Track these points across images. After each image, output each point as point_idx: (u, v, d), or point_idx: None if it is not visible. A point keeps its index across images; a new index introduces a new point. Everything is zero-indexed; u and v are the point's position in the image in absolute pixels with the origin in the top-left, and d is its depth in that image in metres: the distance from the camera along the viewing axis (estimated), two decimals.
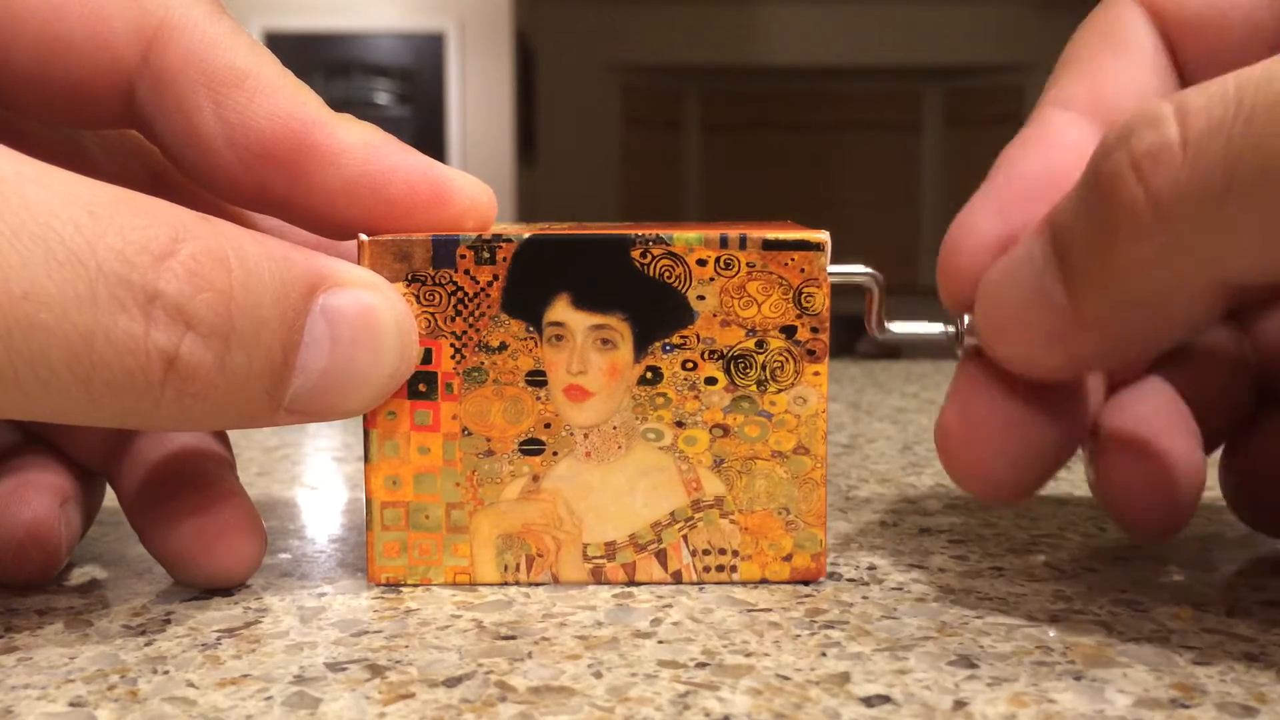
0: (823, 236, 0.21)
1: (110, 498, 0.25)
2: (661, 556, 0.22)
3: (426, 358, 0.21)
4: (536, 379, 0.22)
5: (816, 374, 0.22)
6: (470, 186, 0.22)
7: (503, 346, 0.21)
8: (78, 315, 0.16)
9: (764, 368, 0.22)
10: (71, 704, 0.17)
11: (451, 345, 0.21)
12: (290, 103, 0.21)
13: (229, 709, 0.17)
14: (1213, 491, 0.31)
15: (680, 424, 0.22)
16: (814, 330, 0.22)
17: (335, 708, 0.17)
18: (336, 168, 0.21)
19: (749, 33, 5.12)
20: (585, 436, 0.22)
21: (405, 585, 0.22)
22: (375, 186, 0.21)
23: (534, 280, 0.21)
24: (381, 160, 0.21)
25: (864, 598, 0.22)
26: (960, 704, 0.17)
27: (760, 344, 0.22)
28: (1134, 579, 0.23)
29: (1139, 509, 0.21)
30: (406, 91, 3.83)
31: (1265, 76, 0.16)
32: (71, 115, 0.21)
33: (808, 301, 0.21)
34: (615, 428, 0.22)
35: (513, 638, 0.19)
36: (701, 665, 0.18)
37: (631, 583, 0.22)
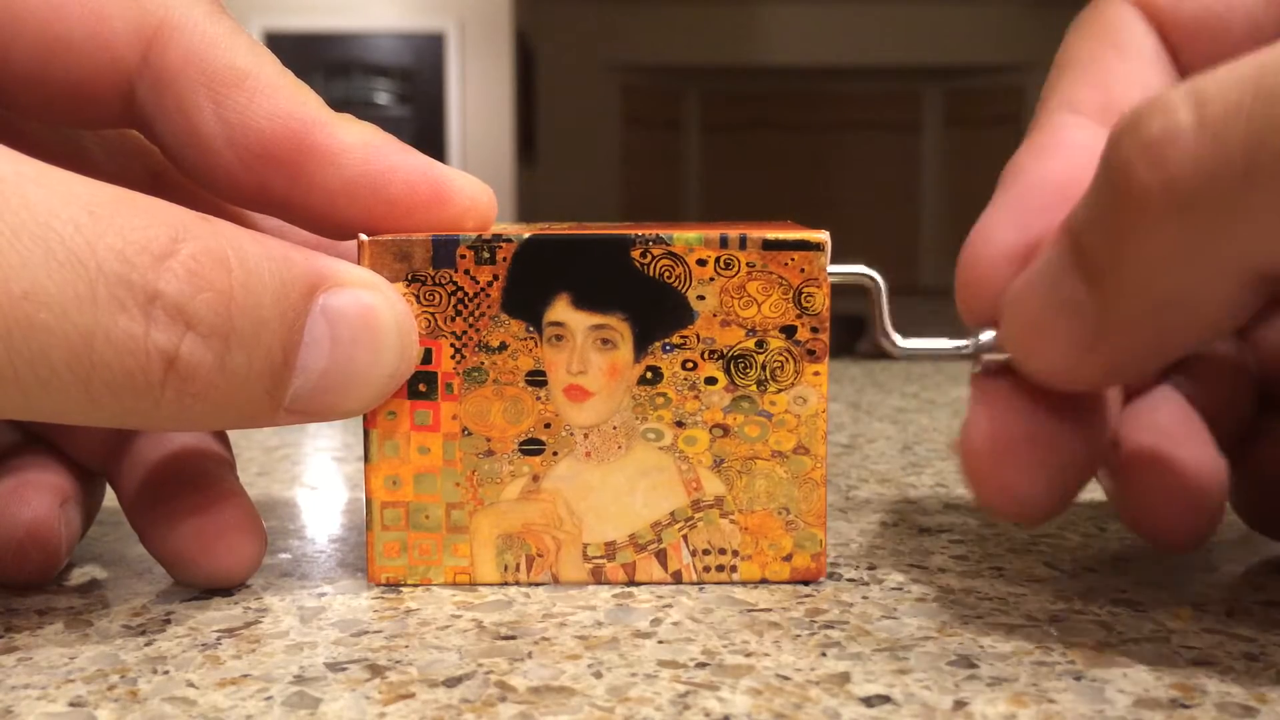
0: (823, 236, 0.21)
1: (110, 498, 0.25)
2: (661, 556, 0.22)
3: (426, 358, 0.21)
4: (536, 379, 0.22)
5: (816, 374, 0.22)
6: (470, 186, 0.22)
7: (503, 346, 0.21)
8: (78, 315, 0.17)
9: (764, 368, 0.22)
10: (71, 704, 0.17)
11: (451, 345, 0.21)
12: (290, 103, 0.21)
13: (229, 709, 0.17)
14: None
15: (680, 424, 0.22)
16: (814, 330, 0.22)
17: (335, 708, 0.17)
18: (336, 168, 0.21)
19: (749, 33, 5.12)
20: (585, 436, 0.22)
21: (405, 585, 0.22)
22: (375, 186, 0.21)
23: (534, 280, 0.21)
24: (381, 160, 0.21)
25: (864, 598, 0.22)
26: (960, 704, 0.17)
27: (760, 344, 0.22)
28: (1134, 579, 0.23)
29: (1165, 521, 0.21)
30: (406, 91, 3.83)
31: None
32: (71, 115, 0.21)
33: (808, 301, 0.21)
34: (615, 428, 0.22)
35: (513, 638, 0.19)
36: (701, 665, 0.18)
37: (631, 583, 0.22)
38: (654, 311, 0.21)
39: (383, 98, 3.82)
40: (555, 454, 0.22)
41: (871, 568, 0.23)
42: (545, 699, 0.17)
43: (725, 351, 0.22)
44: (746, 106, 5.43)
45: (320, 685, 0.18)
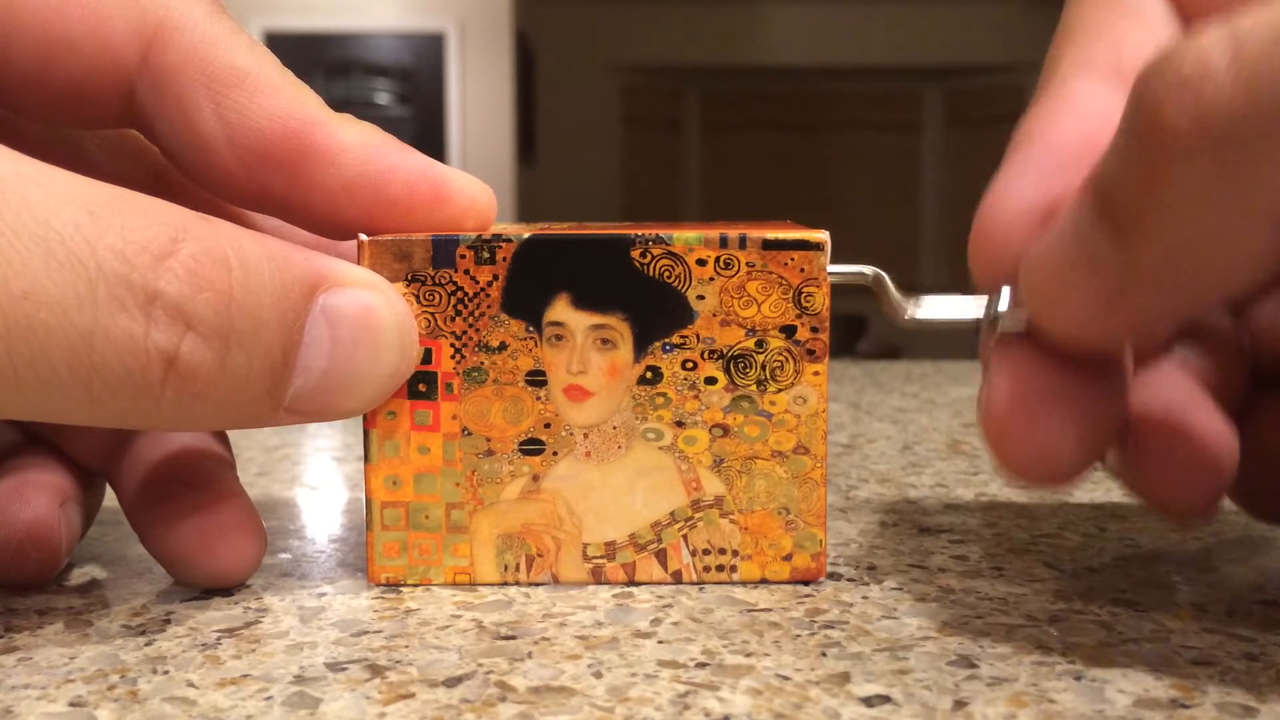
0: (822, 236, 0.21)
1: (110, 498, 0.25)
2: (661, 556, 0.22)
3: (426, 358, 0.21)
4: (536, 379, 0.22)
5: (816, 374, 0.22)
6: (470, 186, 0.22)
7: (502, 346, 0.21)
8: (78, 315, 0.17)
9: (764, 367, 0.22)
10: (71, 704, 0.17)
11: (451, 345, 0.21)
12: (290, 102, 0.21)
13: (229, 709, 0.17)
14: None
15: (680, 424, 0.22)
16: (814, 330, 0.22)
17: (335, 708, 0.17)
18: (336, 168, 0.21)
19: (749, 33, 5.12)
20: (585, 436, 0.22)
21: (405, 585, 0.22)
22: (375, 186, 0.21)
23: (534, 280, 0.21)
24: (381, 160, 0.21)
25: (864, 598, 0.22)
26: (960, 704, 0.17)
27: (760, 344, 0.22)
28: (1134, 579, 0.23)
29: (1179, 487, 0.20)
30: (406, 91, 3.83)
31: None
32: (71, 115, 0.21)
33: (807, 301, 0.21)
34: (615, 427, 0.22)
35: (513, 638, 0.19)
36: (701, 665, 0.18)
37: (631, 583, 0.22)
38: (654, 311, 0.21)
39: (383, 98, 3.82)
40: (555, 454, 0.22)
41: (871, 568, 0.23)
42: (545, 699, 0.17)
43: (725, 351, 0.22)
44: (746, 106, 5.43)
45: (320, 685, 0.18)
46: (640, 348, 0.21)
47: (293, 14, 3.69)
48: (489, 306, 0.21)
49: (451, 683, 0.18)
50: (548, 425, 0.22)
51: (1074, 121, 0.20)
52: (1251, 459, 0.23)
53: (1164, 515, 0.21)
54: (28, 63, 0.20)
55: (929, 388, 0.54)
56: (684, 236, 0.21)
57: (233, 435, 0.27)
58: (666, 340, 0.21)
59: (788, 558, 0.22)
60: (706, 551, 0.22)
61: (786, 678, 0.18)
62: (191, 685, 0.18)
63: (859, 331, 4.09)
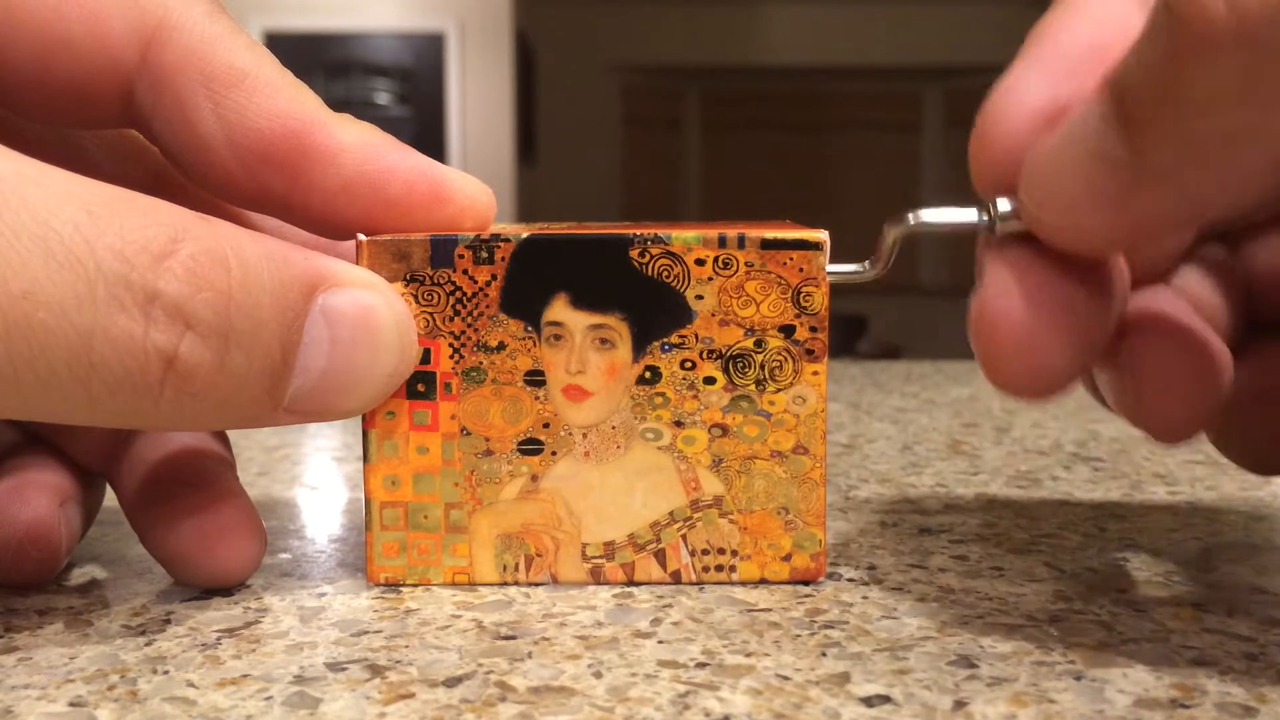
0: (821, 236, 0.21)
1: (110, 498, 0.25)
2: (660, 556, 0.22)
3: (425, 358, 0.21)
4: (535, 379, 0.22)
5: (815, 373, 0.22)
6: (469, 186, 0.22)
7: (501, 346, 0.21)
8: (77, 315, 0.16)
9: (763, 367, 0.22)
10: (71, 704, 0.17)
11: (450, 345, 0.21)
12: (289, 102, 0.21)
13: (229, 709, 0.17)
14: (1213, 490, 0.31)
15: (679, 423, 0.22)
16: (813, 330, 0.22)
17: (335, 708, 0.17)
18: (335, 167, 0.21)
19: (749, 33, 5.12)
20: (584, 436, 0.22)
21: (405, 585, 0.22)
22: (374, 186, 0.21)
23: (532, 280, 0.21)
24: (380, 160, 0.21)
25: (864, 598, 0.22)
26: (960, 704, 0.17)
27: (759, 343, 0.22)
28: (1134, 579, 0.23)
29: (1170, 397, 0.20)
30: (406, 91, 3.82)
31: None
32: (71, 115, 0.21)
33: (806, 301, 0.21)
34: (614, 427, 0.22)
35: (513, 638, 0.19)
36: (701, 665, 0.18)
37: (631, 583, 0.22)
38: (652, 311, 0.21)
39: (383, 98, 3.82)
40: (554, 454, 0.22)
41: (871, 568, 0.23)
42: (545, 699, 0.17)
43: (724, 351, 0.22)
44: (746, 106, 5.43)
45: (320, 685, 0.18)
46: (639, 347, 0.21)
47: (293, 14, 3.69)
48: (488, 306, 0.21)
49: (451, 683, 0.18)
50: (546, 425, 0.22)
51: (1088, 25, 0.20)
52: (1241, 402, 0.23)
53: (1149, 433, 0.21)
54: (27, 63, 0.20)
55: (929, 388, 0.54)
56: (683, 236, 0.21)
57: (233, 435, 0.27)
58: (665, 340, 0.21)
59: (787, 558, 0.22)
60: (706, 551, 0.22)
61: (786, 678, 0.18)
62: (191, 685, 0.18)
63: (859, 331, 4.08)
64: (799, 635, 0.20)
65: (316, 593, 0.22)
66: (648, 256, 0.21)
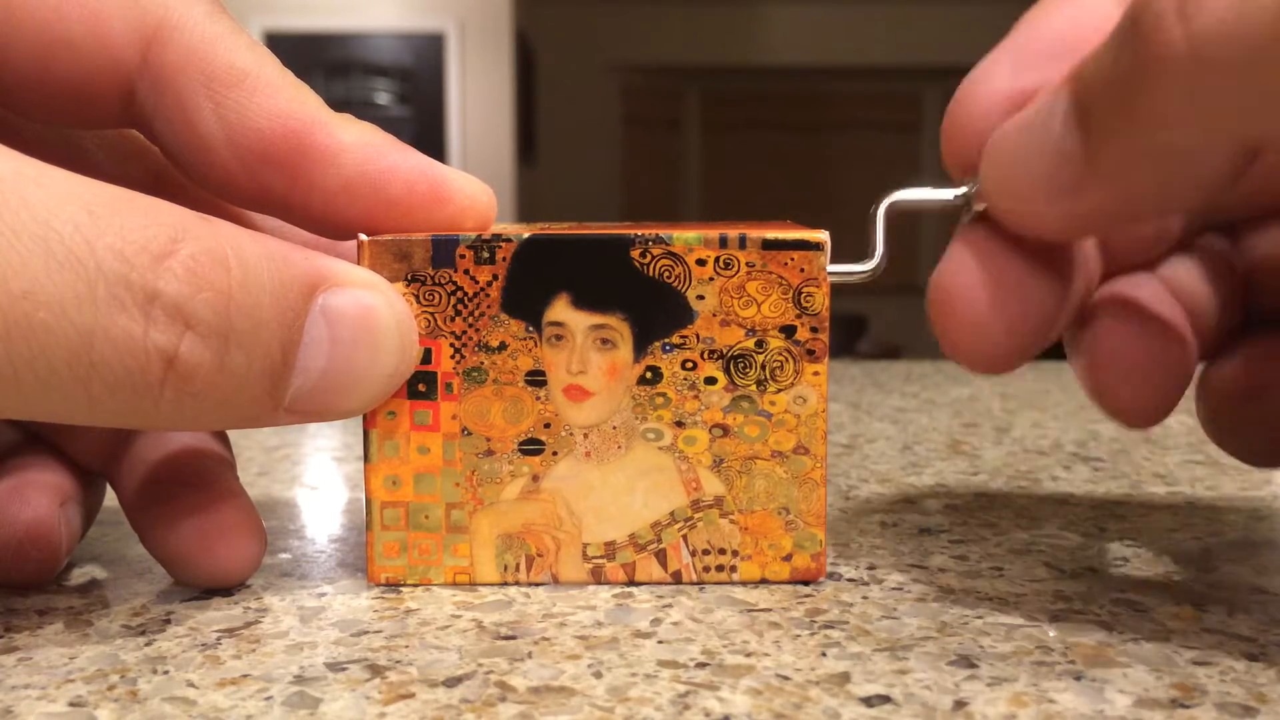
0: (822, 236, 0.21)
1: (110, 498, 0.25)
2: (661, 556, 0.22)
3: (426, 358, 0.21)
4: (536, 379, 0.22)
5: (816, 374, 0.22)
6: (469, 186, 0.22)
7: (502, 346, 0.21)
8: (77, 315, 0.16)
9: (764, 367, 0.22)
10: (71, 704, 0.17)
11: (451, 345, 0.21)
12: (290, 102, 0.21)
13: (229, 709, 0.17)
14: (1213, 490, 0.31)
15: (680, 424, 0.22)
16: (814, 330, 0.22)
17: (335, 708, 0.17)
18: (336, 167, 0.21)
19: (749, 33, 5.12)
20: (585, 436, 0.22)
21: (405, 585, 0.22)
22: (374, 186, 0.21)
23: (533, 280, 0.21)
24: (380, 160, 0.21)
25: (864, 598, 0.22)
26: (960, 704, 0.17)
27: (760, 344, 0.22)
28: (1134, 579, 0.23)
29: (1128, 378, 0.21)
30: (406, 91, 3.82)
31: None
32: (71, 115, 0.21)
33: (807, 301, 0.21)
34: (615, 427, 0.22)
35: (513, 638, 0.19)
36: (701, 665, 0.18)
37: (631, 583, 0.22)
38: (653, 311, 0.21)
39: (383, 98, 3.82)
40: (555, 454, 0.22)
41: (871, 568, 0.23)
42: (545, 699, 0.17)
43: (725, 351, 0.22)
44: (746, 106, 5.43)
45: (320, 685, 0.18)
46: (640, 348, 0.21)
47: (293, 14, 3.69)
48: (489, 306, 0.21)
49: (451, 683, 0.18)
50: (547, 425, 0.22)
51: (1063, 18, 0.21)
52: (1237, 394, 0.23)
53: (1111, 417, 0.22)
54: (27, 63, 0.20)
55: (929, 388, 0.54)
56: (684, 236, 0.21)
57: (233, 435, 0.27)
58: (666, 340, 0.21)
59: (788, 558, 0.22)
60: (706, 551, 0.22)
61: (786, 678, 0.18)
62: (191, 685, 0.18)
63: (859, 331, 4.08)
64: (799, 635, 0.20)
65: (316, 593, 0.22)
66: (649, 257, 0.21)
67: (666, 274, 0.21)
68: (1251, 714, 0.16)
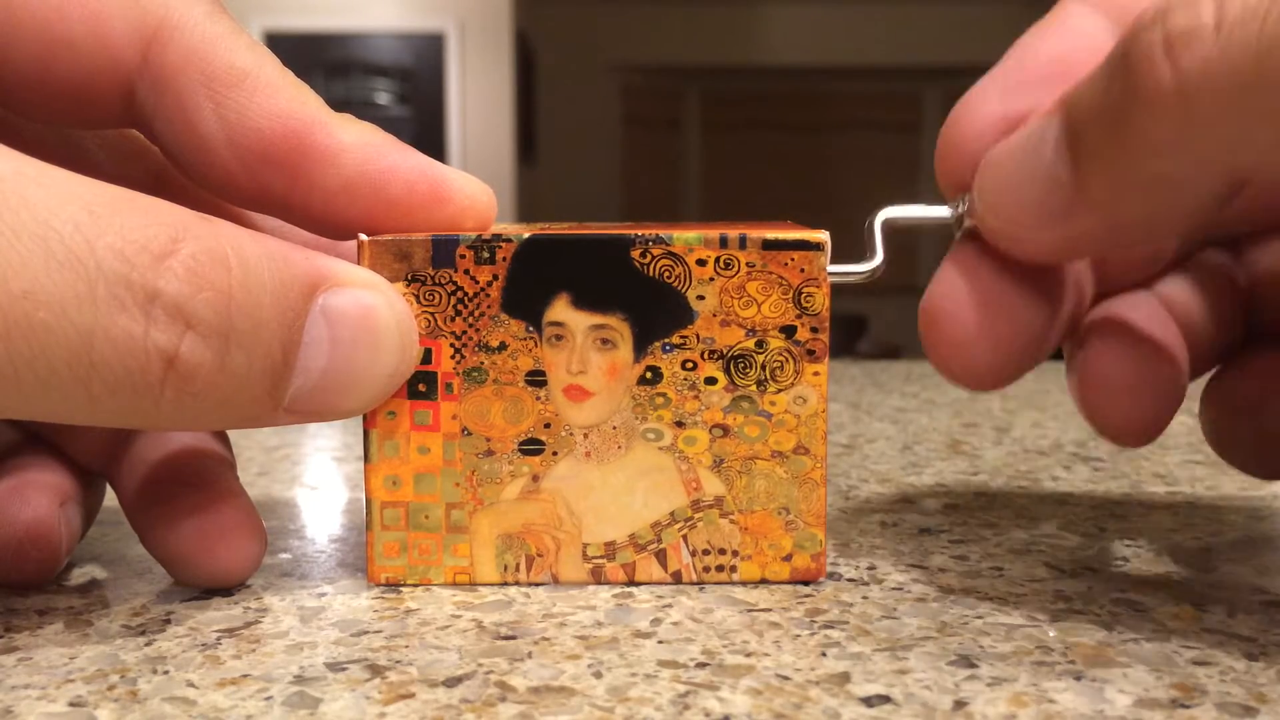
0: (822, 236, 0.21)
1: (110, 498, 0.25)
2: (661, 556, 0.22)
3: (426, 358, 0.21)
4: (536, 379, 0.22)
5: (816, 374, 0.22)
6: (469, 186, 0.22)
7: (502, 346, 0.21)
8: (77, 314, 0.16)
9: (764, 368, 0.22)
10: (71, 704, 0.17)
11: (451, 345, 0.21)
12: (290, 102, 0.21)
13: (229, 709, 0.17)
14: (1213, 490, 0.31)
15: (680, 424, 0.22)
16: (814, 330, 0.22)
17: (335, 708, 0.17)
18: (336, 167, 0.21)
19: (749, 33, 5.12)
20: (585, 436, 0.22)
21: (405, 585, 0.22)
22: (374, 186, 0.21)
23: (534, 280, 0.21)
24: (380, 160, 0.21)
25: (864, 598, 0.22)
26: (960, 704, 0.17)
27: (760, 344, 0.22)
28: (1134, 579, 0.23)
29: (1117, 400, 0.21)
30: (406, 91, 3.82)
31: None
32: (72, 115, 0.21)
33: (807, 301, 0.21)
34: (615, 428, 0.22)
35: (513, 638, 0.19)
36: (701, 665, 0.18)
37: (631, 583, 0.22)
38: (654, 311, 0.21)
39: (383, 98, 3.82)
40: (555, 454, 0.22)
41: (871, 568, 0.23)
42: (545, 699, 0.17)
43: (725, 351, 0.22)
44: (746, 106, 5.43)
45: (320, 685, 0.18)
46: (640, 348, 0.21)
47: (293, 14, 3.69)
48: (489, 306, 0.21)
49: (451, 683, 0.18)
50: (548, 425, 0.22)
51: (1056, 43, 0.21)
52: (1233, 408, 0.23)
53: (1104, 436, 0.22)
54: (28, 63, 0.20)
55: (929, 388, 0.54)
56: (684, 236, 0.21)
57: (233, 435, 0.27)
58: (666, 340, 0.21)
59: (788, 558, 0.22)
60: (706, 552, 0.22)
61: (786, 678, 0.18)
62: (191, 685, 0.18)
63: (859, 331, 4.08)
64: (799, 635, 0.20)
65: (316, 593, 0.22)
66: (649, 257, 0.21)
67: (667, 274, 0.21)
68: (1251, 714, 0.16)
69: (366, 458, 0.22)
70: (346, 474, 0.35)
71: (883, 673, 0.18)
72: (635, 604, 0.21)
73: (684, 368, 0.22)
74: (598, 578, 0.22)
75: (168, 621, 0.21)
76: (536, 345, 0.21)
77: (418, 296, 0.21)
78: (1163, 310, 0.23)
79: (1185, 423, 0.40)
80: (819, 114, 5.45)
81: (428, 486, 0.22)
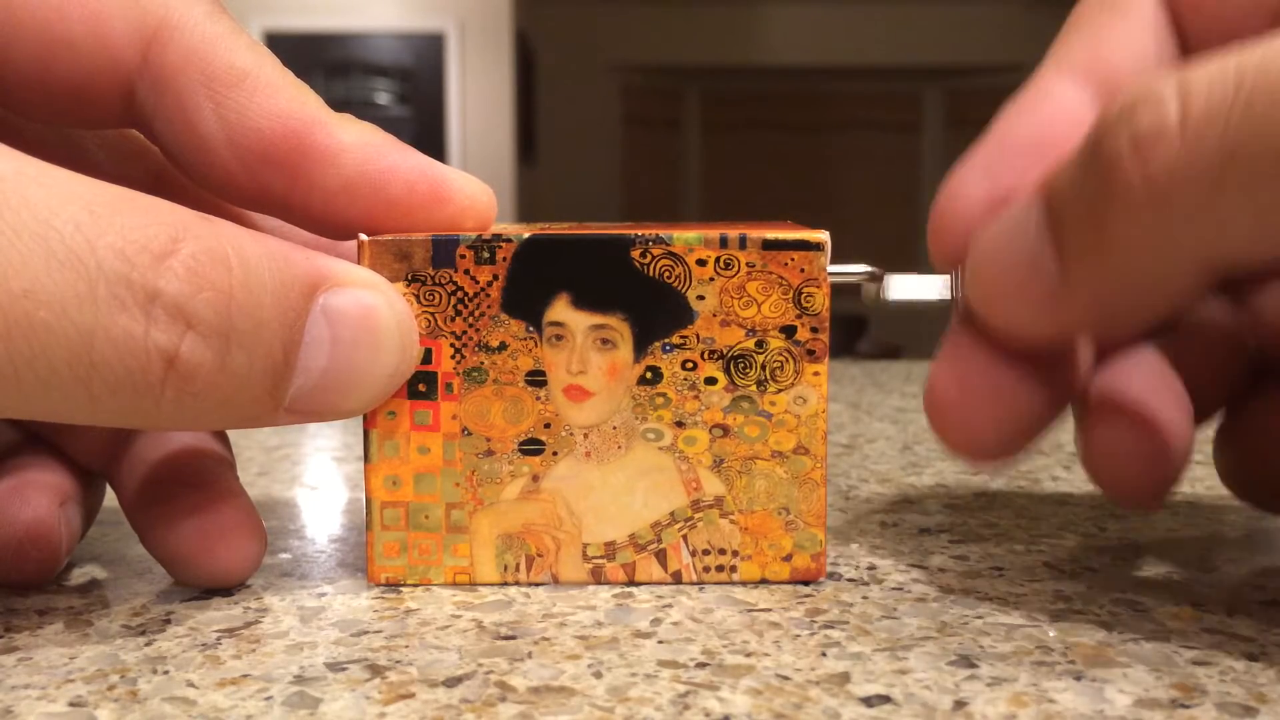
0: (822, 236, 0.21)
1: (110, 498, 0.25)
2: (661, 556, 0.22)
3: (426, 358, 0.21)
4: (536, 379, 0.22)
5: (816, 374, 0.22)
6: (469, 186, 0.22)
7: (502, 346, 0.21)
8: (78, 314, 0.17)
9: (764, 368, 0.22)
10: (71, 704, 0.17)
11: (451, 345, 0.21)
12: (290, 102, 0.21)
13: (229, 709, 0.17)
14: (1213, 490, 0.31)
15: (680, 424, 0.22)
16: (814, 330, 0.22)
17: (335, 708, 0.17)
18: (336, 167, 0.21)
19: (749, 33, 5.12)
20: (585, 436, 0.22)
21: (405, 585, 0.22)
22: (375, 186, 0.21)
23: (534, 280, 0.21)
24: (381, 160, 0.21)
25: (864, 598, 0.22)
26: (960, 704, 0.17)
27: (760, 344, 0.22)
28: (1134, 579, 0.23)
29: (1125, 474, 0.21)
30: (406, 91, 3.82)
31: (1263, 61, 0.15)
32: (72, 115, 0.21)
33: (807, 301, 0.21)
34: (615, 428, 0.22)
35: (513, 638, 0.19)
36: (701, 665, 0.18)
37: (631, 583, 0.22)
38: (654, 311, 0.21)
39: (383, 98, 3.82)
40: (555, 454, 0.22)
41: (871, 568, 0.23)
42: (545, 699, 0.17)
43: (725, 351, 0.22)
44: (746, 106, 5.43)
45: (320, 685, 0.18)
46: (640, 348, 0.21)
47: (293, 14, 3.69)
48: (489, 306, 0.21)
49: (451, 683, 0.18)
50: (548, 425, 0.22)
51: (1036, 118, 0.21)
52: (1249, 449, 0.23)
53: (1114, 502, 0.22)
54: (28, 63, 0.20)
55: None
56: (684, 236, 0.21)
57: (233, 435, 0.27)
58: (666, 340, 0.21)
59: (788, 558, 0.22)
60: (706, 552, 0.22)
61: (786, 678, 0.18)
62: (191, 685, 0.18)
63: (859, 331, 4.08)
64: (799, 635, 0.20)
65: (316, 593, 0.22)
66: (649, 257, 0.21)
67: (667, 274, 0.21)
68: (1251, 714, 0.16)
69: (366, 458, 0.22)
70: (346, 474, 0.35)
71: (883, 673, 0.18)
72: (635, 604, 0.21)
73: (684, 368, 0.22)
74: (598, 578, 0.22)
75: (168, 621, 0.21)
76: (536, 345, 0.21)
77: (418, 296, 0.21)
78: (1164, 364, 0.23)
79: None
80: (819, 114, 5.45)
81: (428, 486, 0.22)
